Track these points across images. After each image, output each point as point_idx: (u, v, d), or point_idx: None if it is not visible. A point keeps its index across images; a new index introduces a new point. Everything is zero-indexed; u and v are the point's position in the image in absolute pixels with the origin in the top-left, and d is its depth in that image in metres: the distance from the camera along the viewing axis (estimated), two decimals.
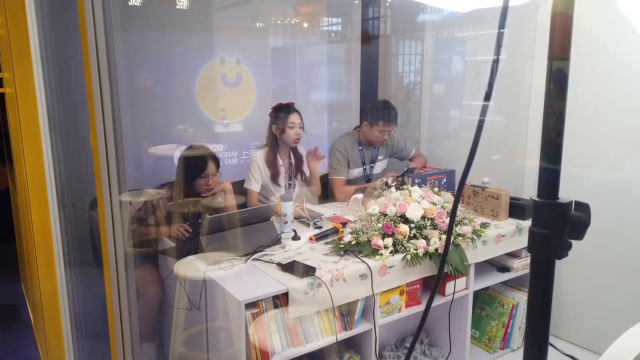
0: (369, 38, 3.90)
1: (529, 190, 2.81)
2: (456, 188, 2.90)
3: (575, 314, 2.72)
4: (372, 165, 3.20)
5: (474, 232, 2.29)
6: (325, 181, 3.13)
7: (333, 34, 3.89)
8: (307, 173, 2.99)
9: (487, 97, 0.83)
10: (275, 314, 1.82)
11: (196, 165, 2.43)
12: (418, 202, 2.21)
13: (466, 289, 2.37)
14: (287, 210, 2.37)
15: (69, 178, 2.21)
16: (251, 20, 3.49)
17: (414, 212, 2.15)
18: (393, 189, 2.45)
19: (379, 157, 3.22)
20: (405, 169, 2.92)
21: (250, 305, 1.75)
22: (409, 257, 2.06)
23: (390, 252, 2.06)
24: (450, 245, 2.17)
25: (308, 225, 2.49)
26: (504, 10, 0.75)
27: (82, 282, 2.22)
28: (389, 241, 2.08)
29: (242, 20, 3.47)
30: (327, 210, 2.80)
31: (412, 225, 2.14)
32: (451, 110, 3.46)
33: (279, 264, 1.96)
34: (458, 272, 2.19)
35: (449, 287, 2.28)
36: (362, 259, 2.02)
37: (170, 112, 3.15)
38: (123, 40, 2.62)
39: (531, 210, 0.78)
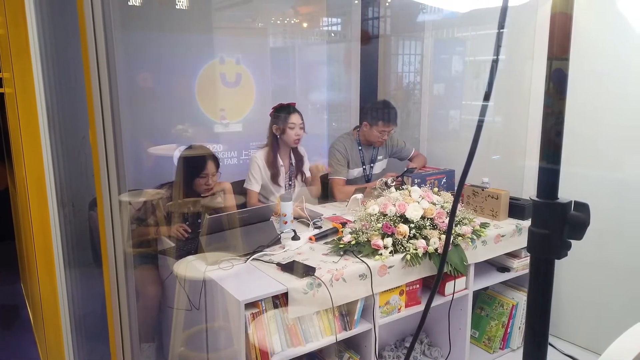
0: (368, 38, 3.90)
1: (529, 190, 2.81)
2: (456, 188, 2.90)
3: (575, 314, 2.72)
4: (372, 165, 3.20)
5: (474, 232, 2.29)
6: (325, 181, 3.13)
7: (333, 34, 3.89)
8: (307, 174, 2.99)
9: (487, 97, 0.83)
10: (274, 314, 1.82)
11: (196, 165, 2.43)
12: (418, 202, 2.21)
13: (466, 289, 2.37)
14: (286, 210, 2.37)
15: (68, 178, 2.21)
16: (251, 20, 3.49)
17: (414, 212, 2.15)
18: (393, 189, 2.45)
19: (379, 157, 3.22)
20: (405, 169, 2.92)
21: (249, 305, 1.75)
22: (408, 257, 2.06)
23: (389, 252, 2.06)
24: (450, 245, 2.17)
25: (308, 225, 2.49)
26: (504, 10, 0.75)
27: (81, 282, 2.22)
28: (388, 241, 2.08)
29: (242, 20, 3.47)
30: (327, 210, 2.80)
31: (412, 225, 2.14)
32: (451, 110, 3.47)
33: (278, 264, 1.96)
34: (458, 272, 2.19)
35: (449, 287, 2.28)
36: (362, 259, 2.02)
37: (170, 112, 3.15)
38: (123, 40, 2.63)
39: (531, 210, 0.78)
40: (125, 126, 1.29)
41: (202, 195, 2.45)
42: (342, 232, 2.26)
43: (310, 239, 2.25)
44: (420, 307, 2.22)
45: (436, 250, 2.11)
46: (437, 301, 2.30)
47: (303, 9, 3.69)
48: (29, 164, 1.90)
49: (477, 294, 2.69)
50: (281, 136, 2.82)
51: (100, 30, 1.21)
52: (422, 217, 2.17)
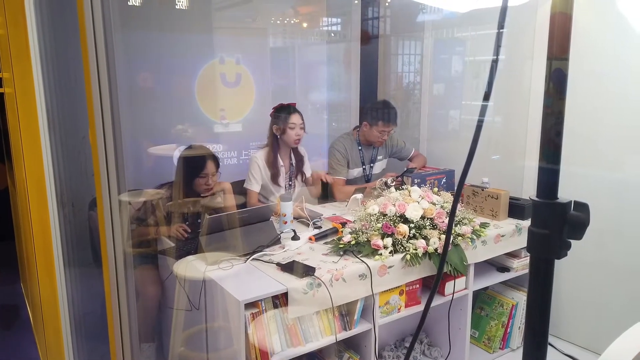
0: (368, 38, 3.90)
1: (529, 190, 2.81)
2: (456, 188, 2.90)
3: (575, 314, 2.72)
4: (372, 165, 3.20)
5: (474, 232, 2.29)
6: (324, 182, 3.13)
7: (332, 34, 3.89)
8: (308, 174, 2.99)
9: (487, 97, 0.83)
10: (274, 314, 1.82)
11: (196, 165, 2.43)
12: (417, 202, 2.21)
13: (466, 288, 2.37)
14: (286, 210, 2.37)
15: (68, 178, 2.22)
16: (251, 20, 3.49)
17: (414, 212, 2.15)
18: (392, 189, 2.45)
19: (379, 157, 3.22)
20: (405, 169, 2.92)
21: (249, 305, 1.75)
22: (408, 257, 2.06)
23: (389, 252, 2.06)
24: (450, 245, 2.18)
25: (307, 225, 2.49)
26: (503, 10, 0.75)
27: (81, 282, 2.23)
28: (388, 241, 2.08)
29: (242, 20, 3.47)
30: (327, 210, 2.80)
31: (412, 225, 2.14)
32: (450, 110, 3.47)
33: (278, 264, 1.96)
34: (457, 272, 2.19)
35: (449, 287, 2.28)
36: (362, 259, 2.02)
37: (170, 112, 3.15)
38: (123, 40, 2.62)
39: (530, 210, 0.78)
40: (125, 126, 1.29)
41: (202, 195, 2.45)
42: (342, 232, 2.26)
43: (310, 239, 2.25)
44: (420, 307, 2.22)
45: (436, 250, 2.11)
46: (437, 301, 2.30)
47: (303, 9, 3.69)
48: (29, 164, 1.90)
49: (477, 294, 2.69)
50: (281, 136, 2.82)
51: (100, 31, 1.21)
52: (422, 217, 2.17)
